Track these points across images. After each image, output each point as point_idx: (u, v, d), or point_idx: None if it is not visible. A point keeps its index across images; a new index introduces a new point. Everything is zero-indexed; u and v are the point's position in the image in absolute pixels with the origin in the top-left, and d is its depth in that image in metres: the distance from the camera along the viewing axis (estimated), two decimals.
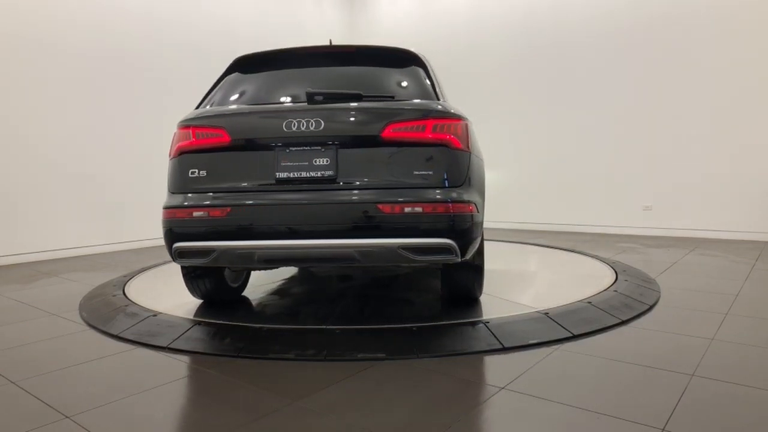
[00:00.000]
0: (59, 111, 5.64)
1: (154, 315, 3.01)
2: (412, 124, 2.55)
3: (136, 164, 6.22)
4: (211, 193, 2.62)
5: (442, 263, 2.66)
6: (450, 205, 2.49)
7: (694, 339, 2.56)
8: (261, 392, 2.03)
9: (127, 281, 4.03)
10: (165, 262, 4.83)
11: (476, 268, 3.00)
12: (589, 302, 3.06)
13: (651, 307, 3.13)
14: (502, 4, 7.82)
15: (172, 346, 2.57)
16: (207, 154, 2.66)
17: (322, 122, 2.54)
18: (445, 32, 8.39)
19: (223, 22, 7.22)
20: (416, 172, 2.53)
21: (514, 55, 7.73)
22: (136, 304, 3.28)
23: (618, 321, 2.83)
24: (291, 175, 2.54)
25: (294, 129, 2.54)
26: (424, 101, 2.71)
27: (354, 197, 2.49)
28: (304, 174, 2.54)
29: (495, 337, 2.53)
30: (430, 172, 2.53)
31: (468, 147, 2.68)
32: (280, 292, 3.69)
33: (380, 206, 2.45)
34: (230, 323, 2.85)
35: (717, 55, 6.19)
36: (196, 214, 2.57)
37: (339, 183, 2.53)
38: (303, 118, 2.54)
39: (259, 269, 3.50)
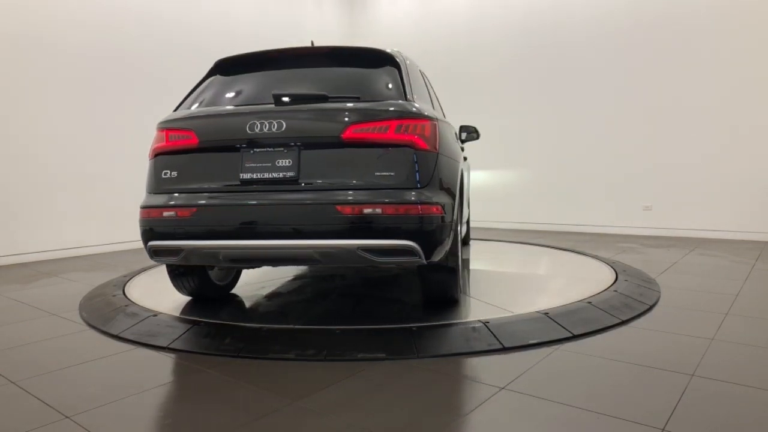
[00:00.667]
0: (59, 111, 5.64)
1: (154, 315, 3.01)
2: (374, 125, 2.54)
3: (137, 164, 6.20)
4: (180, 194, 2.70)
5: (409, 265, 2.65)
6: (411, 206, 2.46)
7: (694, 339, 2.56)
8: (261, 392, 2.03)
9: (127, 281, 4.03)
10: None
11: (450, 270, 2.91)
12: (589, 302, 3.06)
13: (651, 307, 3.13)
14: (502, 5, 7.82)
15: (172, 346, 2.57)
16: (178, 156, 2.74)
17: (284, 123, 2.56)
18: (445, 32, 8.39)
19: (223, 22, 7.22)
20: (378, 173, 2.51)
21: (514, 56, 7.73)
22: (136, 304, 3.28)
23: (618, 321, 2.83)
24: (254, 176, 2.59)
25: (257, 131, 2.58)
26: (389, 102, 2.67)
27: (314, 198, 2.51)
28: (267, 175, 2.57)
29: (495, 337, 2.53)
30: (392, 173, 2.51)
31: (435, 147, 2.64)
32: (280, 291, 3.69)
33: (339, 207, 2.45)
34: (230, 323, 2.85)
35: (717, 55, 6.19)
36: (165, 213, 2.66)
37: (301, 184, 2.55)
38: (265, 120, 2.58)
39: (232, 267, 3.48)
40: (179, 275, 3.22)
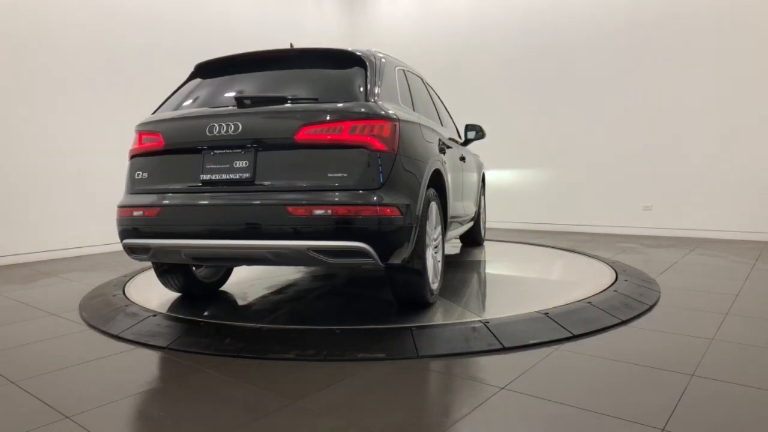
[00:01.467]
0: (59, 111, 5.64)
1: (154, 315, 3.01)
2: (327, 126, 2.54)
3: None
4: (148, 194, 2.82)
5: (369, 266, 2.65)
6: (363, 207, 2.45)
7: (694, 339, 2.56)
8: (261, 392, 2.03)
9: (127, 281, 4.03)
10: None
11: (416, 272, 2.83)
12: (589, 302, 3.06)
13: (651, 307, 3.13)
14: (502, 5, 7.82)
15: (171, 346, 2.57)
16: (148, 158, 2.87)
17: (240, 126, 2.61)
18: (445, 32, 8.40)
19: (224, 22, 7.23)
20: (331, 174, 2.51)
21: (514, 56, 7.73)
22: (136, 304, 3.28)
23: (618, 321, 2.83)
24: (214, 177, 2.65)
25: (215, 133, 2.64)
26: (346, 103, 2.66)
27: (267, 199, 2.54)
28: (225, 176, 2.63)
29: (495, 337, 2.53)
30: (345, 175, 2.50)
31: (394, 148, 2.60)
32: (280, 291, 3.69)
33: (290, 209, 2.47)
34: (230, 323, 2.85)
35: (717, 55, 6.19)
36: (135, 213, 2.79)
37: (256, 185, 2.59)
38: (223, 122, 2.64)
39: (199, 265, 3.48)
40: (164, 273, 3.30)
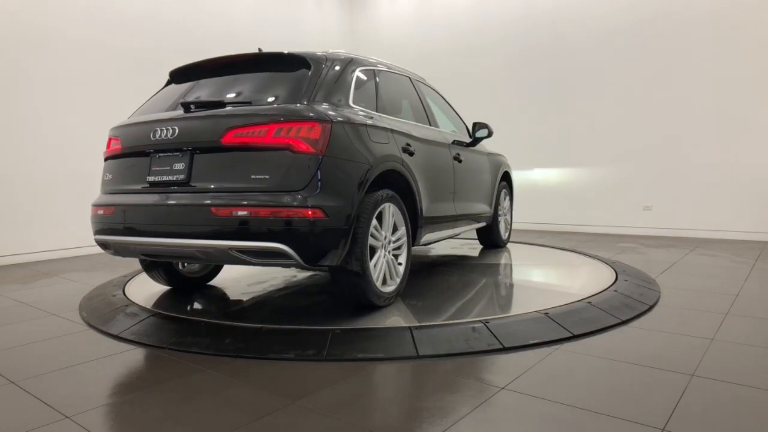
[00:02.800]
0: (59, 111, 5.64)
1: (154, 315, 3.01)
2: (253, 129, 2.59)
3: None
4: (110, 195, 3.07)
5: (296, 266, 2.68)
6: (282, 209, 2.47)
7: (694, 339, 2.56)
8: (261, 392, 2.03)
9: (127, 281, 4.03)
10: None
11: (355, 274, 2.80)
12: (589, 302, 3.06)
13: (651, 307, 3.13)
14: (502, 5, 7.82)
15: (171, 346, 2.57)
16: (113, 161, 3.10)
17: (177, 130, 2.75)
18: (445, 32, 8.40)
19: (223, 22, 7.23)
20: (254, 176, 2.56)
21: (514, 56, 7.73)
22: (136, 304, 3.28)
23: (618, 321, 2.83)
24: (157, 179, 2.81)
25: (158, 137, 2.80)
26: (271, 106, 2.73)
27: (196, 200, 2.65)
28: (165, 178, 2.78)
29: (495, 337, 2.53)
30: (267, 176, 2.54)
31: (322, 150, 2.59)
32: (280, 291, 3.69)
33: (214, 209, 2.56)
34: (230, 323, 2.85)
35: (717, 55, 6.19)
36: (99, 212, 3.03)
37: (190, 186, 2.70)
38: (164, 127, 2.79)
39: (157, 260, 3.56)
40: (148, 268, 3.54)
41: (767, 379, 2.07)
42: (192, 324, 2.84)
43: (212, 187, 2.65)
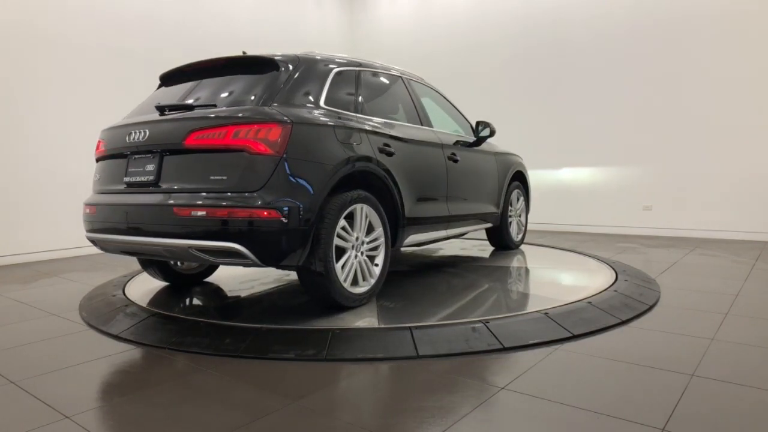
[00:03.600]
0: (59, 111, 5.64)
1: (154, 315, 3.01)
2: (212, 131, 2.65)
3: None
4: (96, 194, 3.22)
5: (255, 266, 2.71)
6: (237, 209, 2.51)
7: (694, 339, 2.56)
8: (261, 392, 2.03)
9: (127, 281, 4.03)
10: None
11: (319, 275, 2.80)
12: (589, 302, 3.06)
13: (651, 307, 3.13)
14: (502, 5, 7.82)
15: (171, 346, 2.57)
16: (99, 162, 3.27)
17: (147, 133, 2.86)
18: (445, 32, 8.40)
19: (224, 22, 7.23)
20: (213, 177, 2.62)
21: (514, 56, 7.73)
22: (135, 304, 3.28)
23: (618, 321, 2.83)
24: (132, 179, 2.93)
25: (131, 140, 2.92)
26: (232, 108, 2.79)
27: (160, 200, 2.74)
28: (138, 179, 2.90)
29: (495, 337, 2.53)
30: (225, 177, 2.59)
31: (280, 151, 2.60)
32: (280, 291, 3.69)
33: (175, 209, 2.64)
34: (230, 323, 2.85)
35: (717, 55, 6.20)
36: (86, 210, 3.18)
37: (159, 187, 2.80)
38: (138, 130, 2.91)
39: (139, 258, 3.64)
40: (144, 265, 3.68)
41: (767, 379, 2.07)
42: (192, 324, 2.84)
43: (176, 187, 2.74)
